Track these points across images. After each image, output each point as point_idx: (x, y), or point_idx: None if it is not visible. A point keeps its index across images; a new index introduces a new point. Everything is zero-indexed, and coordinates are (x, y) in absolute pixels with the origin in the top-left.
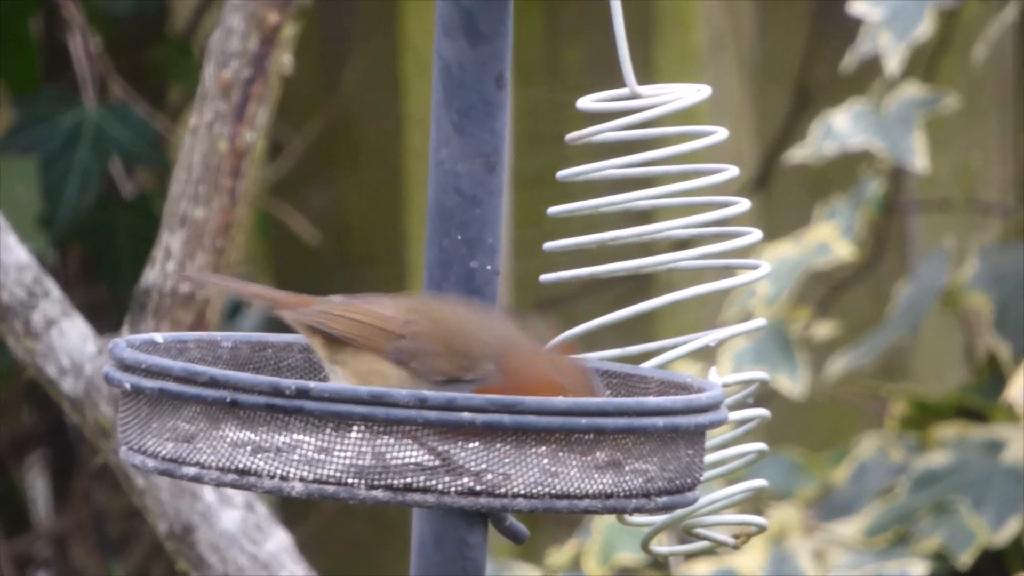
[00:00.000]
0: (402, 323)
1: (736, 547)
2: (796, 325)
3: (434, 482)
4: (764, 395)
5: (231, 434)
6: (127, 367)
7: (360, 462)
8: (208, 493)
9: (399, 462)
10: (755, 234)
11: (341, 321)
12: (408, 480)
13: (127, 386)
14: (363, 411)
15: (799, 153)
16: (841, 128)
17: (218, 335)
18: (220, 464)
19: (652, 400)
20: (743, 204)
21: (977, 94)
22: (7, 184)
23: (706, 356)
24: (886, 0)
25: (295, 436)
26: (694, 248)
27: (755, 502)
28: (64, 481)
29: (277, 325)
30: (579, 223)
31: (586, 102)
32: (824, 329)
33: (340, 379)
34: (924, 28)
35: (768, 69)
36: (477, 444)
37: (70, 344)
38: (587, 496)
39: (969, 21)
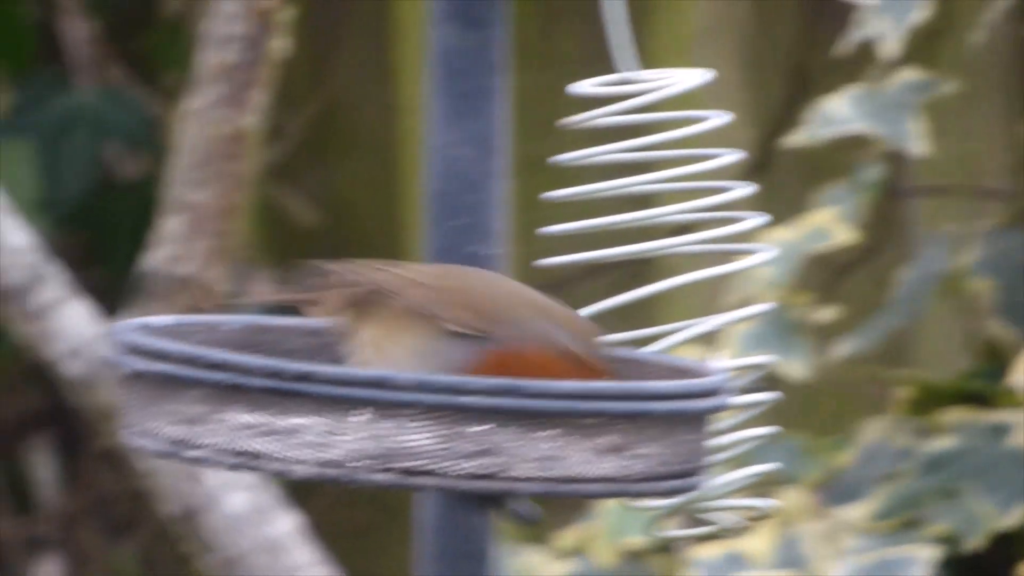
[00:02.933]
0: (433, 276)
1: (744, 531)
2: (798, 310)
3: (437, 466)
4: (768, 380)
5: (234, 417)
6: (128, 350)
7: (363, 445)
8: (213, 476)
9: (402, 445)
10: (759, 218)
11: (373, 275)
12: (411, 464)
13: (129, 369)
14: (366, 394)
15: (796, 138)
16: (839, 113)
17: (219, 318)
18: (223, 447)
19: (656, 384)
20: (746, 188)
21: (977, 78)
22: (8, 166)
23: (709, 341)
24: None
25: (298, 419)
26: (695, 233)
27: (762, 486)
28: (70, 462)
29: (278, 308)
30: (578, 208)
31: (581, 87)
32: (826, 314)
33: (366, 339)
34: (922, 11)
35: (763, 55)
36: (482, 428)
37: (71, 327)
38: (592, 480)
39: (967, 4)
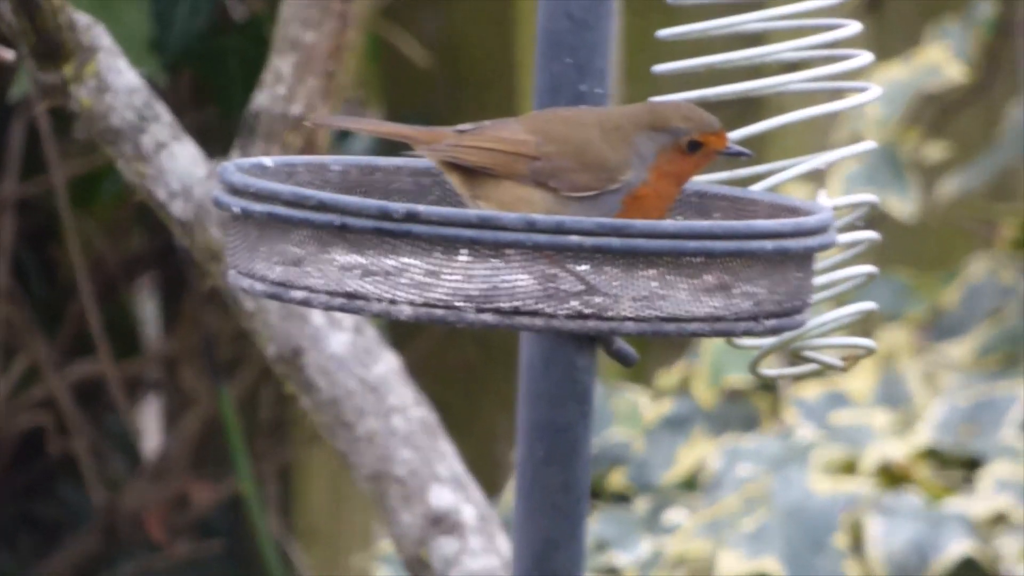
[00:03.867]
0: (534, 145)
1: (845, 369)
2: (907, 147)
3: (543, 305)
4: (874, 218)
5: (340, 258)
6: (236, 191)
7: (468, 285)
8: (317, 316)
9: (509, 285)
10: (865, 56)
11: (475, 152)
12: (517, 303)
13: (236, 210)
14: (471, 234)
15: None
16: None
17: (327, 159)
18: (329, 288)
19: (761, 223)
20: (853, 26)
21: None
22: (118, 8)
23: (816, 179)
24: None
25: (404, 259)
26: (804, 71)
27: (864, 324)
28: (174, 304)
29: (387, 148)
30: (689, 47)
31: None
32: (935, 151)
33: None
34: None
35: None
36: (586, 267)
37: (180, 167)
38: (695, 319)
39: None
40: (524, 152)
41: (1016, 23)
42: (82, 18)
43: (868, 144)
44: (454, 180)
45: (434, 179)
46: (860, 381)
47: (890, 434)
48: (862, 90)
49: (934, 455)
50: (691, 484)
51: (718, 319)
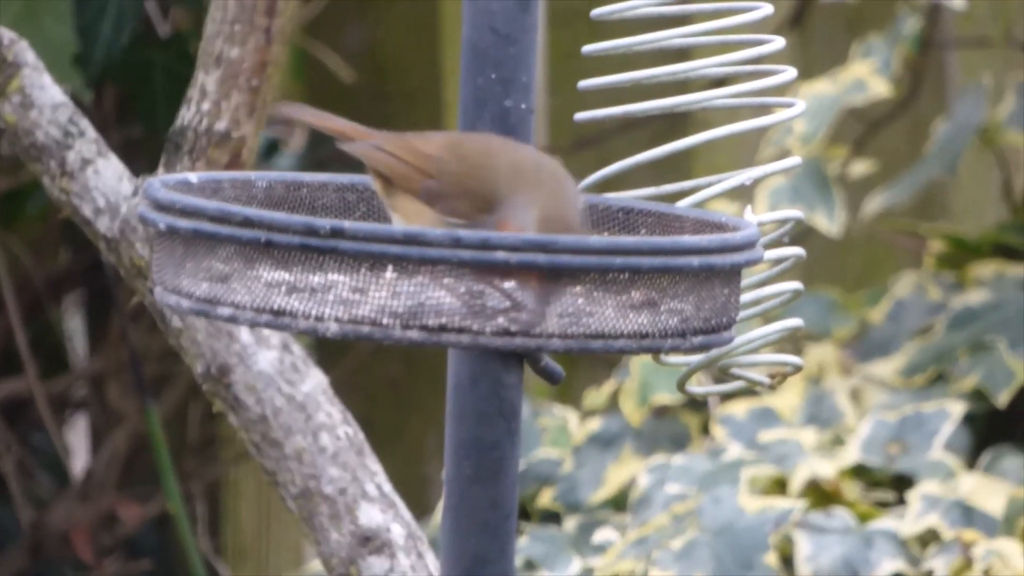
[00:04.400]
0: (436, 162)
1: (772, 387)
2: (833, 163)
3: (469, 322)
4: (800, 234)
5: (266, 274)
6: (162, 207)
7: (395, 302)
8: (244, 334)
9: (434, 302)
10: (790, 72)
11: (383, 158)
12: (443, 320)
13: (162, 226)
14: (398, 251)
15: None
16: None
17: (253, 175)
18: (255, 304)
19: (687, 239)
20: (778, 42)
21: None
22: (42, 24)
23: (741, 195)
24: None
25: (330, 276)
26: (730, 86)
27: (792, 342)
28: (101, 322)
29: (313, 164)
30: (614, 61)
31: None
32: (861, 167)
33: (395, 222)
34: None
35: None
36: (512, 284)
37: (105, 184)
38: (622, 336)
39: None
40: (424, 168)
41: (941, 39)
42: (5, 34)
43: (794, 160)
44: (376, 184)
45: (359, 195)
46: (788, 399)
47: (819, 452)
48: (788, 106)
49: (863, 473)
50: (620, 503)
51: (645, 336)
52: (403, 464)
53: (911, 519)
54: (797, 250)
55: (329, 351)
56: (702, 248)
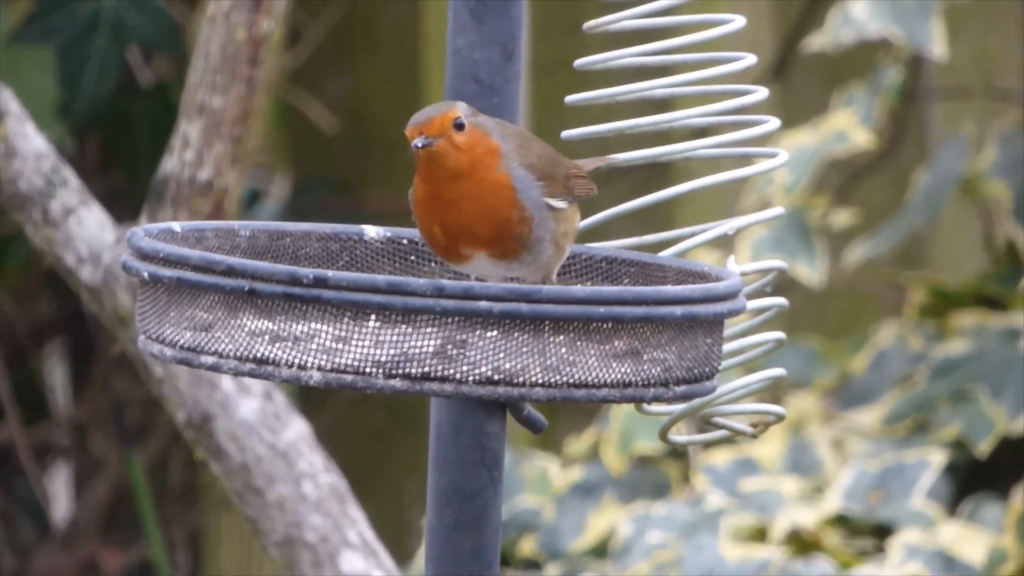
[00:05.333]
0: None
1: (755, 436)
2: (814, 213)
3: (452, 371)
4: (783, 284)
5: (249, 323)
6: (145, 256)
7: (378, 351)
8: (226, 382)
9: (417, 351)
10: (773, 122)
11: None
12: (426, 369)
13: (145, 275)
14: (380, 300)
15: (817, 41)
16: (859, 16)
17: (236, 224)
18: (238, 353)
19: (670, 289)
20: (761, 92)
21: None
22: (25, 73)
23: (724, 245)
24: None
25: (313, 325)
26: (712, 137)
27: (774, 391)
28: (83, 370)
29: (295, 214)
30: (597, 111)
31: None
32: (842, 217)
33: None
34: None
35: None
36: (495, 333)
37: (88, 233)
38: (605, 385)
39: None
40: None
41: (922, 89)
42: None
43: (776, 210)
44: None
45: (342, 245)
46: (769, 448)
47: (800, 501)
48: (770, 156)
49: (844, 522)
50: (601, 551)
51: (628, 385)
52: (383, 511)
53: (892, 568)
54: (780, 300)
55: (311, 399)
56: (685, 298)
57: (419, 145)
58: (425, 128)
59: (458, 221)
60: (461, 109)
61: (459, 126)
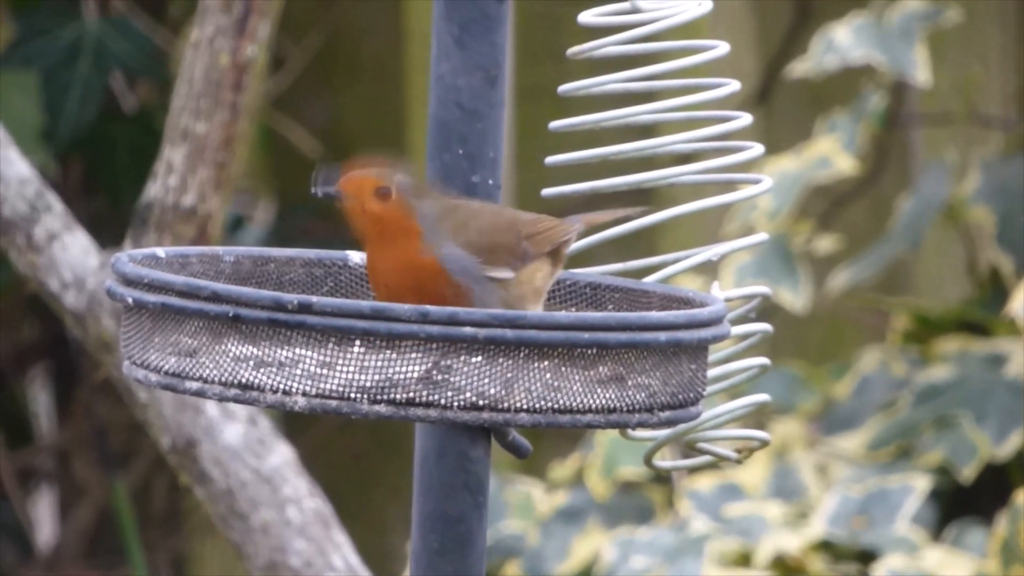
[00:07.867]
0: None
1: (739, 461)
2: (798, 239)
3: (436, 396)
4: (766, 309)
5: (234, 349)
6: (129, 281)
7: (362, 376)
8: (211, 408)
9: (402, 376)
10: (756, 148)
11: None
12: (411, 395)
13: (129, 300)
14: (365, 326)
15: (800, 67)
16: (842, 42)
17: (220, 249)
18: (223, 379)
19: (655, 315)
20: (744, 118)
21: (977, 7)
22: (8, 98)
23: (708, 271)
24: None
25: (297, 351)
26: (695, 163)
27: (757, 416)
28: (66, 395)
29: (279, 239)
30: (580, 137)
31: (587, 16)
32: (826, 243)
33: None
34: None
35: None
36: (480, 359)
37: (72, 258)
38: (590, 411)
39: None
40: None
41: (905, 115)
42: None
43: (760, 236)
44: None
45: (327, 270)
46: (753, 473)
47: (784, 526)
48: (754, 182)
49: (828, 547)
50: None
51: (612, 411)
52: (366, 536)
53: None
54: (764, 326)
55: (295, 424)
56: (669, 324)
57: (319, 193)
58: (344, 183)
59: (397, 291)
60: (397, 182)
61: (383, 195)
